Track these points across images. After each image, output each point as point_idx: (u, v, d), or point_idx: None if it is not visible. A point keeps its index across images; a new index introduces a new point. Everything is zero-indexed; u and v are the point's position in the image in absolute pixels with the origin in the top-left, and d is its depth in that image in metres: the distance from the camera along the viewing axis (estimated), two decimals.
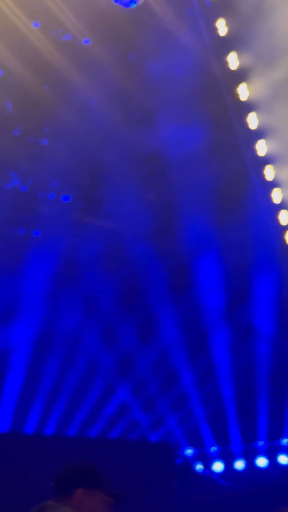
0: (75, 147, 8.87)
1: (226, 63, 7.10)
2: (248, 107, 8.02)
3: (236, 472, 10.44)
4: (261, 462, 10.22)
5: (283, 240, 9.05)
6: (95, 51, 8.42)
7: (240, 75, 7.96)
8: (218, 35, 7.01)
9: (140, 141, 7.80)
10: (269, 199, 8.69)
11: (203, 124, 7.55)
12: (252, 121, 8.17)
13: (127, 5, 7.58)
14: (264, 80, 7.76)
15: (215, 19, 7.00)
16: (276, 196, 8.99)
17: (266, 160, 8.39)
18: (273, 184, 8.70)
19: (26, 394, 9.30)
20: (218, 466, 10.89)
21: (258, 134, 8.37)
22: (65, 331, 9.48)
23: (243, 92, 8.04)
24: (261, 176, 8.36)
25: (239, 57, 7.91)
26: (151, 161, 8.06)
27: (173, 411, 10.09)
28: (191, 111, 7.38)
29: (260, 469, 10.35)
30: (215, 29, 6.99)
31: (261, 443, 10.23)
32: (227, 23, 7.51)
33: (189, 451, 11.07)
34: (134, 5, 7.47)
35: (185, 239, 8.30)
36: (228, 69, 7.16)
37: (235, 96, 7.84)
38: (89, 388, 9.68)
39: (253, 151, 8.12)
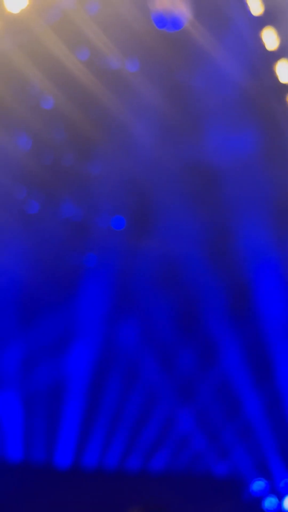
0: (124, 172, 9.35)
1: (275, 74, 7.47)
2: None
3: None
4: None
5: None
6: (140, 77, 8.98)
7: None
8: (265, 46, 7.37)
9: (188, 157, 8.19)
10: None
11: (255, 132, 7.86)
12: None
13: (172, 29, 8.12)
14: None
15: (260, 30, 7.41)
16: None
17: None
18: None
19: (82, 424, 9.64)
20: None
21: None
22: (122, 358, 9.79)
23: None
24: None
25: None
26: (202, 176, 8.39)
27: (239, 441, 10.12)
28: (241, 120, 7.72)
29: None
30: (262, 40, 7.37)
31: None
32: (276, 33, 7.92)
33: (258, 486, 11.01)
34: (179, 29, 7.99)
35: (243, 254, 8.48)
36: (277, 80, 7.53)
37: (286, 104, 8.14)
38: (148, 418, 9.89)
39: None
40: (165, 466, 10.18)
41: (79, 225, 9.65)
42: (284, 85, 8.23)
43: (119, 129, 8.90)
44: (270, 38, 8.05)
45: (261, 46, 7.81)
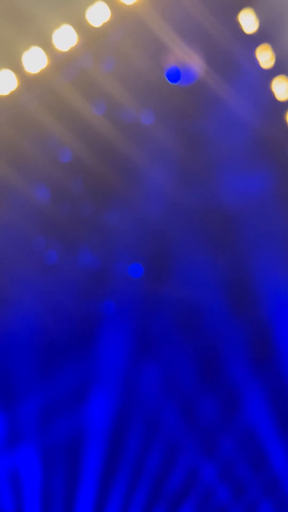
0: (141, 220, 9.78)
1: (285, 119, 8.05)
2: None
3: None
4: None
5: None
6: (156, 127, 9.59)
7: None
8: (275, 96, 7.98)
9: (204, 201, 8.62)
10: None
11: (268, 173, 8.33)
12: None
13: (188, 81, 8.76)
14: None
15: (271, 80, 8.04)
16: None
17: None
18: None
19: (103, 478, 9.64)
20: None
21: None
22: (143, 408, 9.87)
23: None
24: None
25: None
26: (218, 219, 8.78)
27: (266, 495, 9.99)
28: (254, 163, 8.19)
29: None
30: (271, 91, 7.98)
31: None
32: (286, 82, 8.56)
33: None
34: (196, 78, 8.61)
35: (264, 297, 8.74)
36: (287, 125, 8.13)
37: None
38: (171, 470, 9.86)
39: None
40: None
41: (97, 274, 10.03)
42: None
43: (136, 177, 9.40)
44: (280, 88, 8.68)
45: (272, 94, 8.42)
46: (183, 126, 9.38)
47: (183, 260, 9.47)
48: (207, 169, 8.78)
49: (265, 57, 8.80)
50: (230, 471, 9.88)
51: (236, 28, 8.44)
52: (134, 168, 9.58)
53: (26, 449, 9.72)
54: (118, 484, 9.82)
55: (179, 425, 9.86)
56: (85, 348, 9.77)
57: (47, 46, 8.80)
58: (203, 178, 8.90)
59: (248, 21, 8.56)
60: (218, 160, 8.66)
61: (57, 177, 9.87)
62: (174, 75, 8.98)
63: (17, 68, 8.94)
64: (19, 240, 9.63)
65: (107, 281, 9.94)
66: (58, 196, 9.92)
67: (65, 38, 8.76)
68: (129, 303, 9.75)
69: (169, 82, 9.11)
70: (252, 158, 8.37)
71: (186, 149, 9.10)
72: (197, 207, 8.88)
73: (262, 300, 9.23)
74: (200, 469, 9.86)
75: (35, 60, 8.93)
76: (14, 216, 9.51)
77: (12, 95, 9.12)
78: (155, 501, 9.75)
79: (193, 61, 8.60)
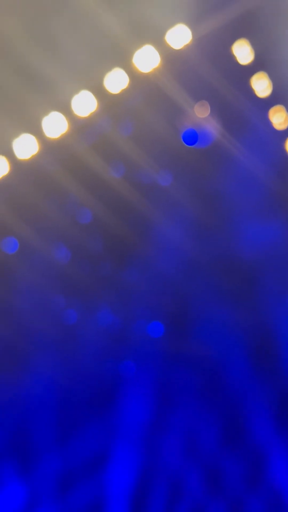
0: (160, 277, 10.26)
1: None
2: None
3: None
4: None
5: None
6: (173, 189, 10.23)
7: None
8: (287, 154, 8.64)
9: (222, 255, 9.11)
10: None
11: (282, 224, 8.86)
12: None
13: (204, 144, 9.46)
14: None
15: (284, 141, 8.73)
16: None
17: None
18: None
19: None
20: None
21: None
22: (164, 472, 9.96)
23: None
24: None
25: None
26: (237, 272, 9.23)
27: None
28: (269, 215, 8.74)
29: None
30: (284, 150, 8.65)
31: None
32: None
33: None
34: (212, 141, 9.31)
35: (287, 352, 9.01)
36: None
37: None
38: None
39: None
40: None
41: (117, 333, 10.41)
42: None
43: (153, 236, 9.93)
44: None
45: (285, 153, 9.06)
46: (199, 186, 9.98)
47: (203, 316, 9.86)
48: (223, 224, 9.33)
49: (278, 118, 9.50)
50: None
51: (249, 91, 9.19)
52: (151, 227, 10.13)
53: None
54: None
55: (203, 488, 9.91)
56: (106, 409, 10.00)
57: (67, 111, 9.60)
58: (219, 233, 9.43)
59: (261, 85, 9.32)
60: (233, 215, 9.23)
61: (77, 238, 10.47)
62: (191, 138, 9.67)
63: (38, 133, 9.72)
64: (39, 300, 10.12)
65: (126, 340, 10.30)
66: (77, 256, 10.48)
67: (85, 103, 9.55)
68: (149, 362, 10.06)
69: (186, 144, 9.82)
70: (265, 212, 8.92)
71: (202, 207, 9.67)
72: (214, 262, 9.37)
73: (285, 354, 9.51)
74: None
75: (55, 125, 9.72)
76: (34, 276, 10.05)
77: (33, 159, 9.88)
78: None
79: (209, 123, 9.31)
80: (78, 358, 10.10)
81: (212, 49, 8.87)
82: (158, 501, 9.82)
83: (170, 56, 9.13)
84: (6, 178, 9.66)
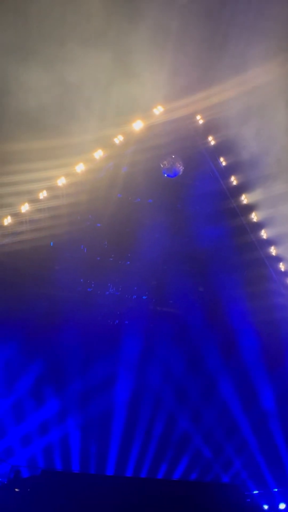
0: (147, 264, 15.79)
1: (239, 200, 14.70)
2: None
3: None
4: None
5: None
6: (154, 206, 15.87)
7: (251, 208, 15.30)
8: (232, 183, 14.66)
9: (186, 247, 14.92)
10: None
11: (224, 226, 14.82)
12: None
13: (173, 176, 15.15)
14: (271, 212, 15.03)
15: (229, 176, 14.69)
16: None
17: None
18: None
19: (124, 439, 14.48)
20: (283, 506, 15.24)
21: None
22: (149, 390, 14.99)
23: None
24: None
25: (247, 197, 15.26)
26: (195, 259, 15.03)
27: None
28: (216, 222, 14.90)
29: None
30: (230, 181, 14.68)
31: None
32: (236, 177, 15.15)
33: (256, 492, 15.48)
34: (178, 174, 15.01)
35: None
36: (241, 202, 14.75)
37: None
38: (170, 433, 14.93)
39: None
40: (185, 476, 15.07)
41: (117, 297, 15.74)
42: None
43: (142, 237, 15.67)
44: (233, 180, 15.46)
45: (229, 183, 15.09)
46: (171, 203, 15.63)
47: (175, 290, 15.24)
48: (186, 228, 15.01)
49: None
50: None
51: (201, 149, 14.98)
52: (141, 231, 15.68)
53: (72, 420, 14.95)
54: (135, 442, 15.09)
55: (174, 400, 15.09)
56: (111, 348, 15.21)
57: (87, 160, 15.14)
58: (184, 234, 15.14)
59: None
60: (192, 222, 14.88)
61: (91, 238, 15.96)
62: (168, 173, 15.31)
63: (71, 173, 15.21)
64: (69, 277, 15.57)
65: (124, 303, 15.74)
66: (92, 250, 15.97)
67: (97, 153, 15.11)
68: (138, 318, 15.49)
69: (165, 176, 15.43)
70: (213, 220, 14.57)
71: (173, 217, 15.33)
72: (181, 253, 15.08)
73: (227, 309, 15.35)
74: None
75: (80, 168, 15.22)
76: (66, 262, 15.54)
77: (64, 186, 15.36)
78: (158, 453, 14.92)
79: (175, 164, 15.08)
80: (92, 314, 15.52)
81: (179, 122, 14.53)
82: (146, 409, 15.02)
83: (150, 125, 14.77)
84: (48, 200, 15.17)
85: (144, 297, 15.93)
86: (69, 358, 15.08)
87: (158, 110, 14.63)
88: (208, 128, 14.76)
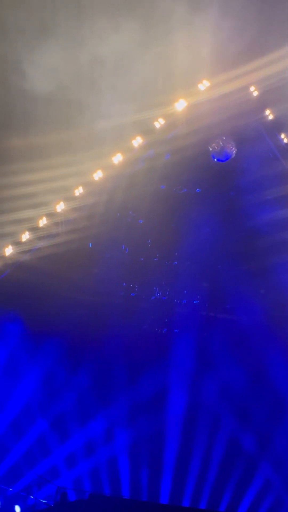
0: (197, 263, 14.38)
1: None
2: None
3: None
4: None
5: None
6: (200, 196, 14.53)
7: None
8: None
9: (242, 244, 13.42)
10: None
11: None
12: None
13: (224, 160, 13.81)
14: None
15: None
16: None
17: None
18: None
19: (178, 458, 13.26)
20: None
21: None
22: (205, 411, 13.58)
23: None
24: None
25: None
26: (252, 257, 13.53)
27: None
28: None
29: None
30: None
31: None
32: None
33: None
34: (231, 157, 13.67)
35: None
36: None
37: None
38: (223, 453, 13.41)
39: None
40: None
41: (165, 303, 14.42)
42: None
43: (189, 233, 14.21)
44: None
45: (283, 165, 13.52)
46: (219, 193, 14.28)
47: (231, 292, 13.76)
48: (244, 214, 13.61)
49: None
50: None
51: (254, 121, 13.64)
52: (190, 225, 14.34)
53: (119, 440, 13.62)
54: (192, 468, 13.54)
55: (234, 419, 13.53)
56: (159, 361, 13.86)
57: (125, 149, 14.02)
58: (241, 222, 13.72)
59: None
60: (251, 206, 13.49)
61: (133, 238, 14.72)
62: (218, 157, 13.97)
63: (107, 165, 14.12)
64: (112, 280, 14.33)
65: (173, 309, 14.35)
66: (134, 251, 14.72)
67: (136, 141, 13.96)
68: (190, 325, 14.05)
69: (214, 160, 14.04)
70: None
71: (223, 209, 13.94)
72: (241, 248, 13.59)
73: None
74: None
75: (118, 159, 14.10)
76: (108, 265, 14.32)
77: (101, 181, 14.24)
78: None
79: (226, 146, 13.72)
80: (137, 322, 14.19)
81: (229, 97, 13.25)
82: (202, 430, 13.54)
83: (195, 103, 13.54)
84: (83, 198, 14.08)
85: (195, 302, 14.43)
86: (113, 372, 13.81)
87: (204, 85, 13.37)
88: (265, 101, 13.35)
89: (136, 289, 14.50)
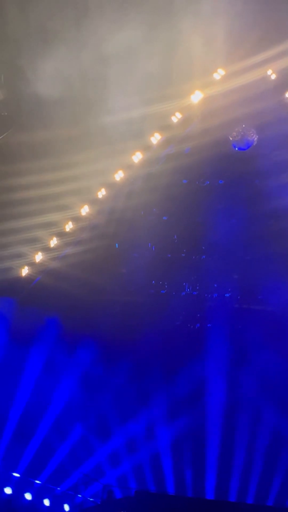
0: (226, 255, 14.36)
1: None
2: None
3: None
4: None
5: None
6: (224, 189, 14.53)
7: None
8: None
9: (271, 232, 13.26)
10: None
11: None
12: None
13: (245, 148, 13.78)
14: None
15: None
16: None
17: None
18: None
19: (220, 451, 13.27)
20: None
21: None
22: (245, 404, 13.55)
23: None
24: None
25: None
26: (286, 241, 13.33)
27: None
28: None
29: None
30: None
31: None
32: None
33: None
34: (252, 144, 13.64)
35: None
36: None
37: None
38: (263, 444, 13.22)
39: None
40: None
41: (196, 298, 14.37)
42: None
43: (218, 225, 14.14)
44: None
45: None
46: (243, 185, 14.27)
47: (263, 282, 13.62)
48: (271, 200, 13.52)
49: None
50: None
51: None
52: (216, 219, 14.32)
53: (161, 436, 13.64)
54: (236, 461, 13.49)
55: (275, 413, 13.43)
56: (193, 357, 13.81)
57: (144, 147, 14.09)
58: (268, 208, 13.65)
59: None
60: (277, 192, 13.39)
61: (159, 234, 14.77)
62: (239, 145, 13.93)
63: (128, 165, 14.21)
64: (141, 279, 14.38)
65: (204, 304, 14.34)
66: (162, 248, 14.77)
67: (154, 138, 14.04)
68: (223, 319, 14.01)
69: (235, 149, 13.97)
70: None
71: (248, 199, 13.92)
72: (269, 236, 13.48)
73: None
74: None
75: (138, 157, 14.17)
76: (134, 263, 14.38)
77: (122, 181, 14.34)
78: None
79: (250, 134, 13.70)
80: (169, 319, 14.22)
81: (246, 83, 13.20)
82: (243, 423, 13.45)
83: (212, 94, 13.54)
84: (107, 197, 14.19)
85: (227, 295, 14.40)
86: (149, 370, 13.79)
87: (219, 74, 13.42)
88: (284, 82, 13.33)
89: (166, 286, 14.51)
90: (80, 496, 12.02)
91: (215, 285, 14.34)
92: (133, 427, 13.48)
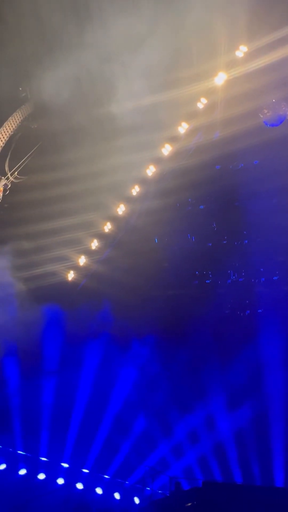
0: (269, 238, 14.21)
1: None
2: None
3: None
4: None
5: None
6: (259, 168, 14.35)
7: None
8: None
9: None
10: None
11: None
12: None
13: (278, 124, 13.59)
14: None
15: None
16: None
17: None
18: None
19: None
20: None
21: None
22: None
23: None
24: None
25: None
26: None
27: None
28: None
29: None
30: None
31: None
32: None
33: None
34: (285, 119, 13.42)
35: None
36: None
37: None
38: None
39: None
40: None
41: (243, 284, 14.28)
42: None
43: (254, 210, 14.00)
44: None
45: None
46: (280, 164, 14.08)
47: None
48: None
49: None
50: None
51: None
52: (251, 204, 14.20)
53: (222, 426, 13.53)
54: None
55: None
56: (244, 344, 13.63)
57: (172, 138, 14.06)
58: None
59: None
60: None
61: (196, 224, 14.72)
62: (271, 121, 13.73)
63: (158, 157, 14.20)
64: (184, 268, 14.35)
65: (252, 290, 14.21)
66: (202, 238, 14.71)
67: (181, 128, 13.98)
68: (273, 303, 13.85)
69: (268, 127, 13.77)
70: None
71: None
72: None
73: None
74: None
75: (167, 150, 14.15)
76: (176, 253, 14.36)
77: (154, 175, 14.33)
78: None
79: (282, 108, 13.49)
80: (218, 308, 14.12)
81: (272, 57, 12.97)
82: None
83: (236, 73, 13.39)
84: (141, 197, 14.20)
85: (275, 278, 14.26)
86: (203, 362, 13.79)
87: (241, 51, 13.29)
88: None
89: (210, 276, 14.45)
90: (148, 488, 12.05)
91: (262, 269, 14.20)
92: (194, 419, 13.41)
